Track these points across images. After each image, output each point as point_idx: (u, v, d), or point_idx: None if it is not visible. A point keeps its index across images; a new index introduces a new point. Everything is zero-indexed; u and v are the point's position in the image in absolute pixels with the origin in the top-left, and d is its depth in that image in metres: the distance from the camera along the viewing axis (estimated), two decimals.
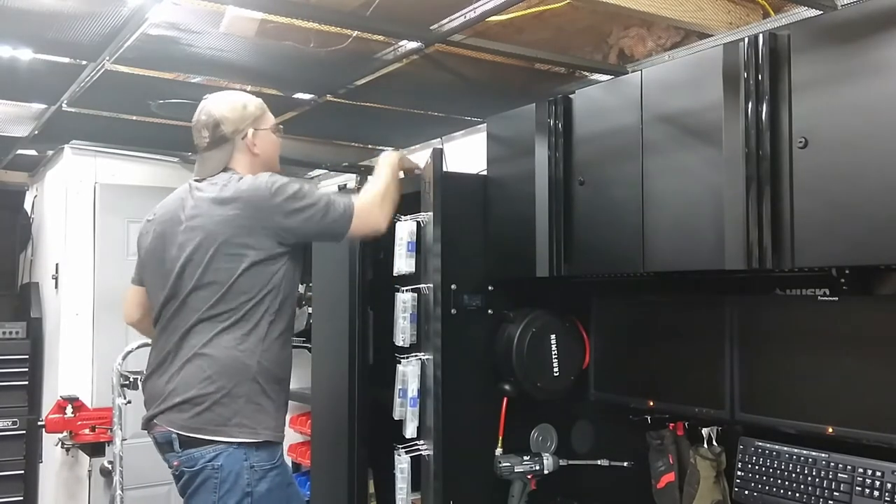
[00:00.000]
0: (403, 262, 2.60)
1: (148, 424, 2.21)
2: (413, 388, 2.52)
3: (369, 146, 4.12)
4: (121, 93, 3.00)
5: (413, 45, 2.46)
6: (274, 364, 2.17)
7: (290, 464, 4.25)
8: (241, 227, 2.14)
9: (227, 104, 2.27)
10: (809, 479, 2.02)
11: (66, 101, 3.13)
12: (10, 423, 4.31)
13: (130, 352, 3.54)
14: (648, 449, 2.46)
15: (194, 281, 2.15)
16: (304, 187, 2.22)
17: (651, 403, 2.40)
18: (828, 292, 2.05)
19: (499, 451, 2.57)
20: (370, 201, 2.30)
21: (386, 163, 2.45)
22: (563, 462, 2.61)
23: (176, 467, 2.14)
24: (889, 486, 1.87)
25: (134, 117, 3.45)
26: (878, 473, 1.89)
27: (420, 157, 2.60)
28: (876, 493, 1.88)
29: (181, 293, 2.17)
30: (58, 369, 4.10)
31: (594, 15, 2.56)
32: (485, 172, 2.70)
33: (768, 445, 2.15)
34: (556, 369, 2.58)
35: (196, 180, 2.27)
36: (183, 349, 2.15)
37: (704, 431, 2.32)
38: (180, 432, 2.11)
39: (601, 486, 2.65)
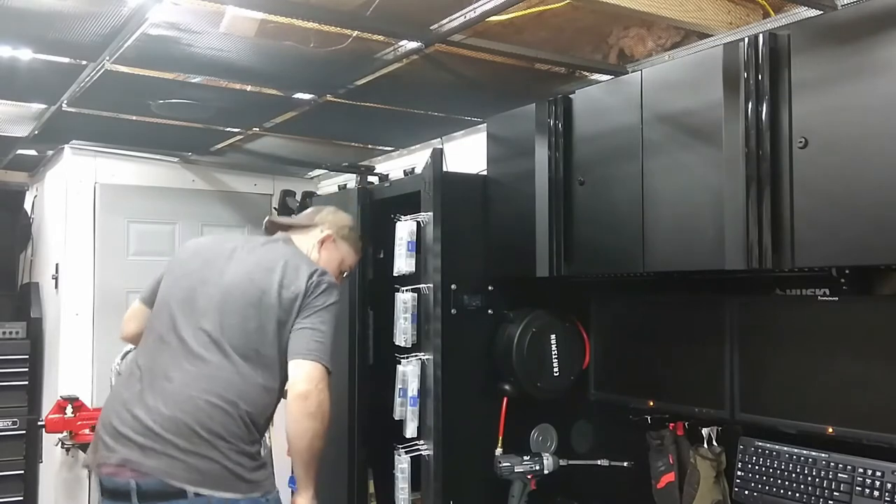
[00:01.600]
0: (403, 262, 2.60)
1: None
2: (413, 387, 2.52)
3: (369, 146, 4.11)
4: (121, 93, 3.00)
5: (413, 45, 2.46)
6: None
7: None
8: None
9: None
10: (809, 479, 2.02)
11: (66, 102, 3.12)
12: (10, 423, 4.30)
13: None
14: (648, 449, 2.46)
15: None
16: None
17: (651, 403, 2.40)
18: (828, 292, 2.04)
19: (499, 451, 2.57)
20: (322, 400, 2.15)
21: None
22: (563, 462, 2.60)
23: None
24: (889, 486, 1.87)
25: (134, 117, 3.45)
26: (878, 473, 1.89)
27: (420, 157, 2.60)
28: (876, 493, 1.88)
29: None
30: (58, 369, 4.09)
31: (594, 15, 2.56)
32: (485, 172, 2.70)
33: (768, 445, 2.15)
34: (556, 369, 2.58)
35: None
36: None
37: (704, 431, 2.32)
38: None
39: (601, 486, 2.65)
